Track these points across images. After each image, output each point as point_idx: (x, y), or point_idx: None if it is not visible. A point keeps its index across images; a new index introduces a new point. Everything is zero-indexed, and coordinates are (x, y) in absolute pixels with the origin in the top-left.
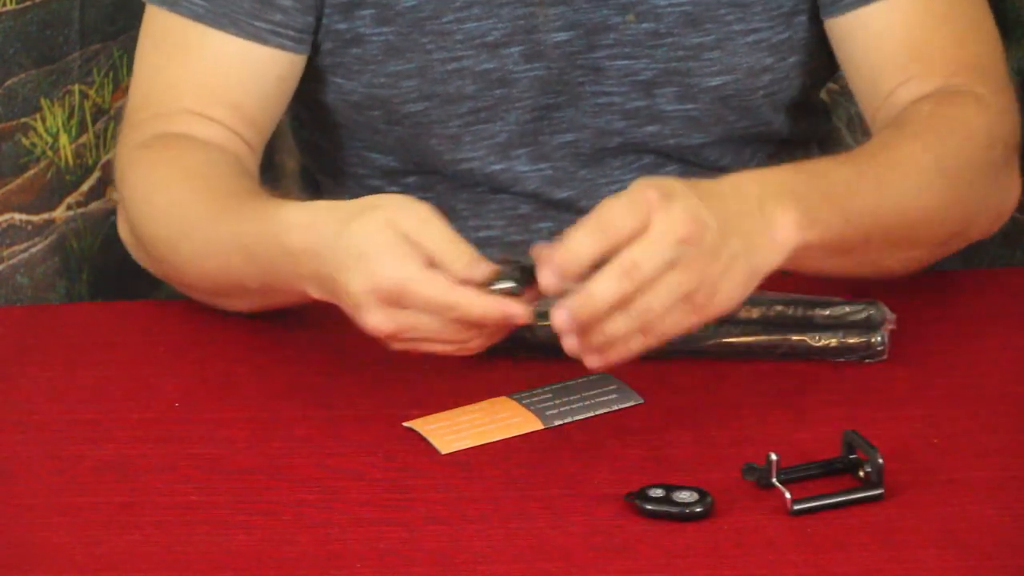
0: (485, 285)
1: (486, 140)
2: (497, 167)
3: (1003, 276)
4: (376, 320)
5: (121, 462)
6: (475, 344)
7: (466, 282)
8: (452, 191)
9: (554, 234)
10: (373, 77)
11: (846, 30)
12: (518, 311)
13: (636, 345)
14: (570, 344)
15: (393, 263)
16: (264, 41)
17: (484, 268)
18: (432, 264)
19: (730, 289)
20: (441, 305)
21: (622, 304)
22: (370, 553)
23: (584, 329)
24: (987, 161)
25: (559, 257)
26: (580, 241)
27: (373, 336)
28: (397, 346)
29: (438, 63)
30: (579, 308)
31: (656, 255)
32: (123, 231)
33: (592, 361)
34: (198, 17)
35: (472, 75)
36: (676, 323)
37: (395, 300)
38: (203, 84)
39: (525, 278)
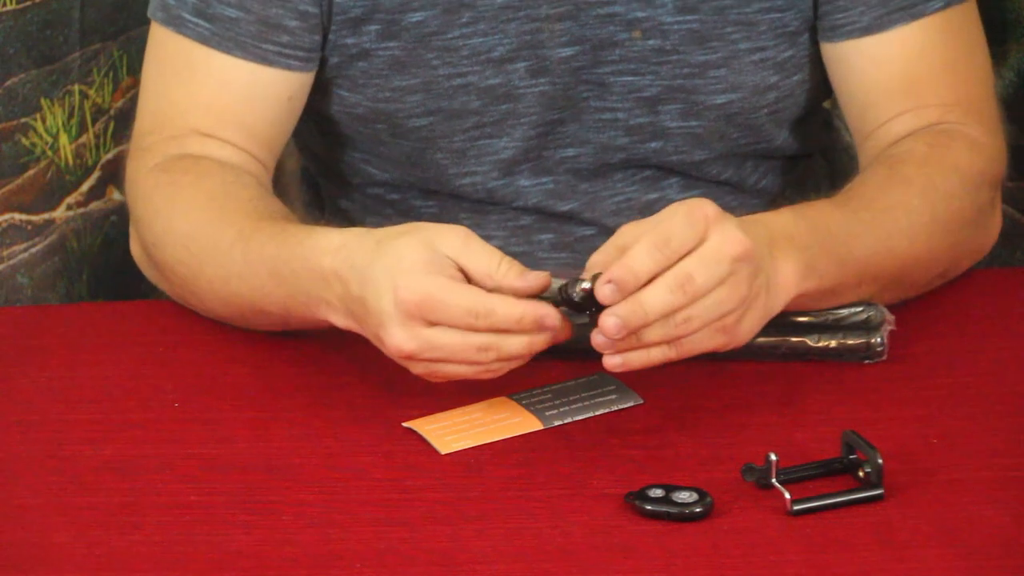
0: (555, 296)
1: (491, 155)
2: (499, 183)
3: (1003, 276)
4: (398, 338)
5: (121, 462)
6: (497, 367)
7: (522, 293)
8: (453, 200)
9: (555, 245)
10: (378, 91)
11: (842, 57)
12: (551, 313)
13: (659, 355)
14: (600, 342)
15: (421, 276)
16: (271, 63)
17: (536, 277)
18: (472, 282)
19: (751, 320)
20: (473, 311)
21: (669, 314)
22: (370, 553)
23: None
24: (977, 205)
25: (619, 273)
26: (640, 259)
27: (395, 358)
28: (418, 369)
29: (443, 78)
30: (630, 316)
31: (711, 270)
32: (136, 251)
33: (612, 362)
34: (204, 40)
35: (477, 90)
36: (703, 340)
37: (421, 313)
38: (212, 106)
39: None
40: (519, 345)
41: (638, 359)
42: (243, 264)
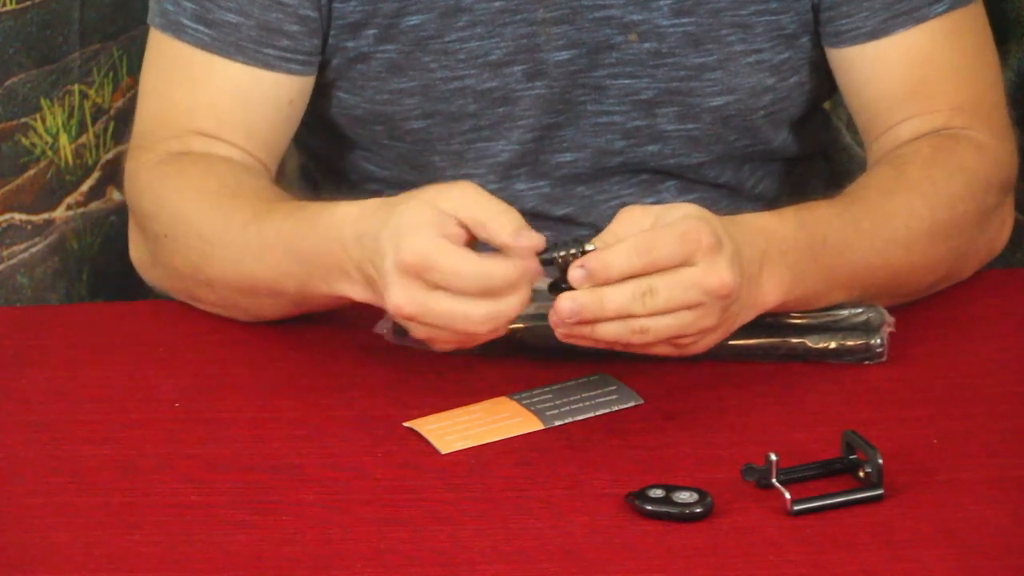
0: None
1: (488, 158)
2: (496, 187)
3: (1003, 276)
4: (398, 298)
5: (121, 462)
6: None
7: (514, 250)
8: None
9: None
10: (376, 93)
11: (848, 62)
12: (534, 256)
13: (608, 345)
14: (552, 320)
15: (421, 238)
16: (272, 67)
17: (531, 235)
18: (472, 240)
19: (710, 340)
20: (467, 273)
21: (623, 316)
22: (370, 553)
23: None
24: (982, 208)
25: (594, 263)
26: (618, 256)
27: (399, 319)
28: (420, 333)
29: (440, 82)
30: (587, 307)
31: (678, 293)
32: (137, 254)
33: (560, 335)
34: (204, 46)
35: (474, 94)
36: (655, 351)
37: (419, 274)
38: (214, 109)
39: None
40: (515, 304)
41: (587, 343)
42: (258, 244)
